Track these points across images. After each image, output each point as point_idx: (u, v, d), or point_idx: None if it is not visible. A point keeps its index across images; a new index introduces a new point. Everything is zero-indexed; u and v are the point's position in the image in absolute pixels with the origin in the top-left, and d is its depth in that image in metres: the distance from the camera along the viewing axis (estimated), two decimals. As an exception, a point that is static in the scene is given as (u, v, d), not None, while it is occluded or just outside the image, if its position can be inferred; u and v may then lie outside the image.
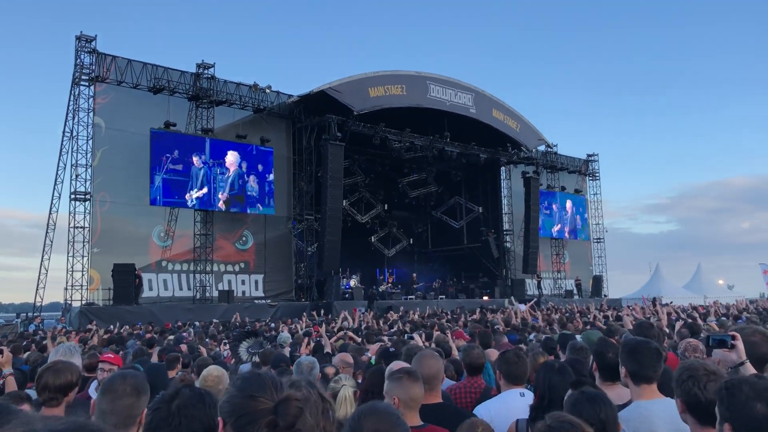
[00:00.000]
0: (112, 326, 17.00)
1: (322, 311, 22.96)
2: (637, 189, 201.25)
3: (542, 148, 37.50)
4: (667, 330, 9.49)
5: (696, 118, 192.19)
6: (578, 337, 6.15)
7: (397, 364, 4.93)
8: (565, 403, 2.73)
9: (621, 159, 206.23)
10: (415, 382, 3.19)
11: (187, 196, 24.44)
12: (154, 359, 7.87)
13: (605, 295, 37.67)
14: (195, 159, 24.69)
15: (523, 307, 20.81)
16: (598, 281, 39.68)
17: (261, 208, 26.89)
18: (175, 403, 2.18)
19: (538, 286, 36.07)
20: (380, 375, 3.90)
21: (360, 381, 4.43)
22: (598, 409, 2.64)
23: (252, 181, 26.48)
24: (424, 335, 8.79)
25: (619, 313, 15.44)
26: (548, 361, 3.92)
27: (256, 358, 7.53)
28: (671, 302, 26.35)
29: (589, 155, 43.22)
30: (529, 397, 3.71)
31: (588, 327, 10.64)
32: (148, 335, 12.76)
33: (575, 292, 37.50)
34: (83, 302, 22.56)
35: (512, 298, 29.94)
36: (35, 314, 23.04)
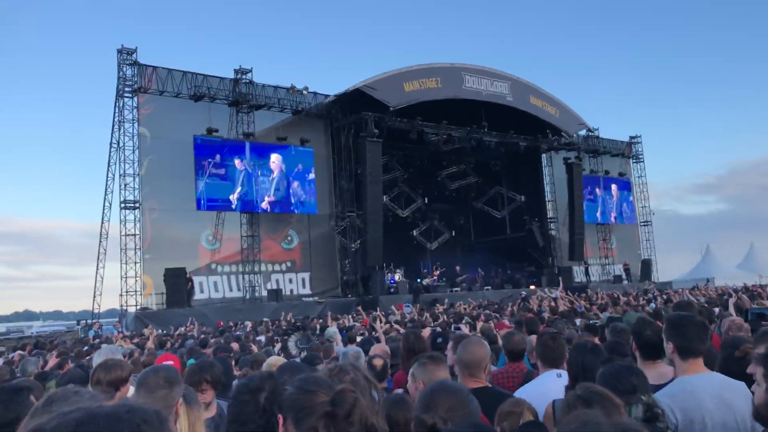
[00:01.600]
0: (163, 330, 17.58)
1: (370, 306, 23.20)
2: (683, 169, 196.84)
3: (583, 132, 36.98)
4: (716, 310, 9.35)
5: (742, 92, 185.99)
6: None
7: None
8: (597, 376, 2.77)
9: (665, 139, 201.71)
10: (438, 365, 3.30)
11: (231, 198, 24.98)
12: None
13: (651, 282, 36.86)
14: (237, 162, 25.21)
15: (555, 294, 20.59)
16: (647, 265, 38.94)
17: (304, 207, 27.30)
18: (263, 395, 2.25)
19: (586, 273, 35.62)
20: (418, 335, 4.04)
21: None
22: (629, 376, 2.70)
23: (294, 182, 26.91)
24: (469, 326, 8.90)
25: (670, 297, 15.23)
26: (581, 342, 3.95)
27: (305, 353, 7.72)
28: (724, 284, 25.74)
29: (631, 137, 42.45)
30: (566, 377, 3.73)
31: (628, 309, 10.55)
32: (201, 336, 13.17)
33: (624, 277, 36.88)
34: (138, 307, 23.32)
35: (546, 288, 29.69)
36: (94, 320, 23.93)
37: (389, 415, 2.55)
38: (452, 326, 8.51)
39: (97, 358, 4.19)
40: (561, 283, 24.38)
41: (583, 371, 3.32)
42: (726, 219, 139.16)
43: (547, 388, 3.66)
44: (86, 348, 12.60)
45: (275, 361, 4.69)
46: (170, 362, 4.54)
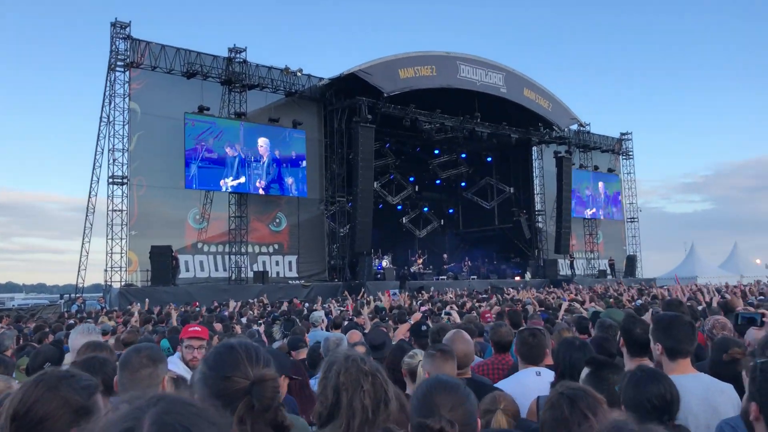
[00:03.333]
0: (149, 306, 17.47)
1: (355, 291, 23.22)
2: (670, 168, 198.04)
3: (574, 127, 37.08)
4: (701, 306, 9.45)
5: (731, 95, 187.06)
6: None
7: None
8: (626, 381, 2.66)
9: (653, 137, 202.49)
10: (447, 359, 3.29)
11: (221, 183, 24.88)
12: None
13: (623, 275, 37.19)
14: (228, 146, 25.05)
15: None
16: (631, 261, 39.27)
17: (294, 190, 27.20)
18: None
19: (571, 267, 35.85)
20: (401, 353, 4.04)
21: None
22: (663, 389, 2.58)
23: (285, 165, 26.79)
24: (457, 312, 8.93)
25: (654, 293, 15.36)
26: (568, 338, 3.92)
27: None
28: (706, 282, 26.00)
29: (622, 134, 42.61)
30: (546, 375, 3.72)
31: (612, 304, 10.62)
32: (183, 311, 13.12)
33: (608, 272, 37.18)
34: (122, 283, 23.21)
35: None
36: (77, 295, 23.77)
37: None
38: (443, 311, 8.47)
39: (74, 336, 4.12)
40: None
41: (570, 368, 3.30)
42: (711, 219, 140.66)
43: (526, 386, 3.64)
44: (72, 322, 12.53)
45: None
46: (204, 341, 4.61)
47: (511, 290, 21.68)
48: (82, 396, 1.78)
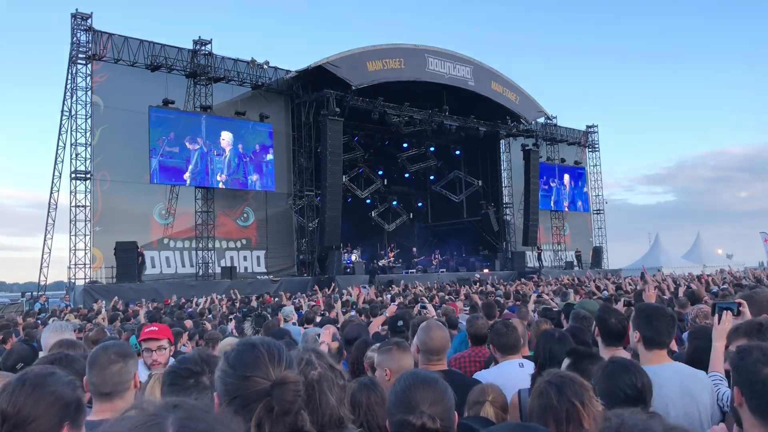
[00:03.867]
0: (116, 303, 17.13)
1: (325, 286, 23.13)
2: (634, 160, 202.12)
3: (542, 120, 37.44)
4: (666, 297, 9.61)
5: (692, 88, 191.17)
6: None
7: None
8: (600, 373, 2.70)
9: (617, 130, 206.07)
10: (404, 352, 3.27)
11: (185, 177, 24.52)
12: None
13: (600, 269, 37.80)
14: (192, 141, 24.67)
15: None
16: (598, 252, 39.88)
17: (261, 184, 26.93)
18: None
19: (539, 258, 36.26)
20: (364, 347, 4.01)
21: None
22: (634, 378, 2.62)
23: (250, 159, 26.51)
24: (434, 306, 8.92)
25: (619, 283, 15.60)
26: (548, 330, 3.95)
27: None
28: (671, 273, 26.55)
29: (588, 126, 43.13)
30: (529, 367, 3.74)
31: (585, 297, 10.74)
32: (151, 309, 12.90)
33: (575, 263, 37.71)
34: (87, 280, 22.73)
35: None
36: (40, 293, 23.22)
37: (353, 397, 2.50)
38: (419, 305, 8.43)
39: (46, 334, 3.99)
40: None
41: (549, 359, 3.33)
42: (674, 210, 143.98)
43: (509, 377, 3.66)
44: (35, 321, 12.22)
45: (227, 342, 4.59)
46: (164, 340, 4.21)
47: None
48: (68, 391, 1.79)
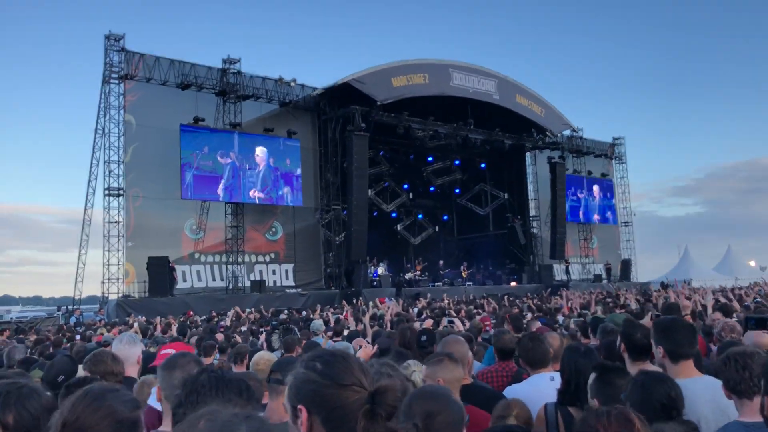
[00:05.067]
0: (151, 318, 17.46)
1: (353, 299, 23.27)
2: (662, 171, 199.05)
3: (567, 132, 37.27)
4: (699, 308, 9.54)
5: (722, 98, 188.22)
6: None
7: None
8: (632, 385, 2.73)
9: (645, 141, 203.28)
10: (456, 363, 3.35)
11: (218, 191, 24.95)
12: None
13: (611, 280, 37.34)
14: (224, 155, 25.13)
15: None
16: (626, 265, 39.44)
17: (289, 199, 27.29)
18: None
19: (566, 272, 36.00)
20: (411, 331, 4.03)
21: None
22: (668, 388, 2.68)
23: (280, 174, 26.89)
24: (461, 321, 8.98)
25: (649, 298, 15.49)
26: (573, 344, 3.95)
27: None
28: (701, 286, 26.18)
29: (615, 138, 42.85)
30: (559, 381, 3.69)
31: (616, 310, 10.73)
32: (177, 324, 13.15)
33: (604, 276, 37.35)
34: (120, 295, 23.21)
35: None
36: (75, 307, 23.77)
37: None
38: (446, 319, 8.45)
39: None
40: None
41: (575, 374, 3.34)
42: (703, 222, 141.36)
43: (540, 391, 3.68)
44: (69, 335, 12.59)
45: (259, 357, 4.66)
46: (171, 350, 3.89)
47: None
48: (126, 408, 1.89)
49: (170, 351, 3.60)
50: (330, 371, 1.54)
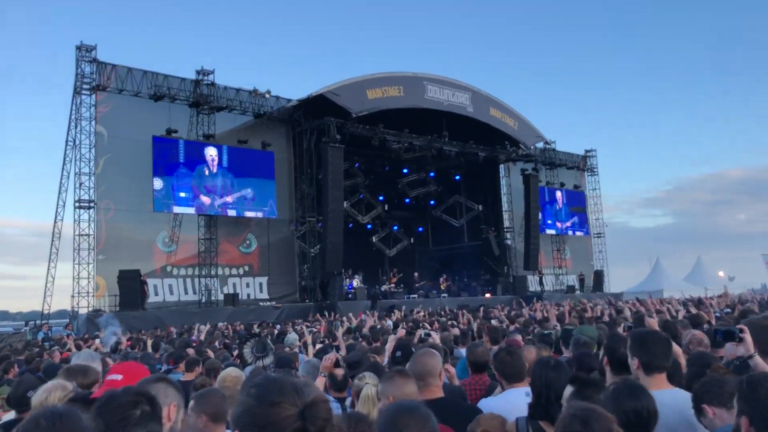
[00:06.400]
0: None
1: (327, 312, 23.14)
2: (633, 183, 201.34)
3: (540, 145, 37.70)
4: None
5: (689, 111, 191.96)
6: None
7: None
8: (607, 393, 2.73)
9: (615, 154, 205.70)
10: (407, 379, 3.29)
11: (190, 203, 24.71)
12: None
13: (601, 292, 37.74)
14: (195, 168, 24.91)
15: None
16: (599, 276, 39.85)
17: (263, 211, 27.11)
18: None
19: (540, 283, 36.25)
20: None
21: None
22: (639, 405, 2.66)
23: (254, 186, 26.71)
24: (438, 334, 8.95)
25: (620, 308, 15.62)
26: (543, 358, 3.90)
27: (261, 362, 7.00)
28: (671, 296, 26.55)
29: (587, 151, 43.46)
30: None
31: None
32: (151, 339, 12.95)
33: (577, 287, 37.66)
34: (90, 309, 22.79)
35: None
36: (43, 322, 23.26)
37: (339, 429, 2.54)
38: (423, 332, 8.36)
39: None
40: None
41: (546, 387, 3.31)
42: (673, 233, 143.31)
43: (515, 406, 3.60)
44: (36, 350, 12.30)
45: (226, 374, 4.58)
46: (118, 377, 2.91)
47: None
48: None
49: (117, 377, 2.91)
50: (261, 392, 1.56)
